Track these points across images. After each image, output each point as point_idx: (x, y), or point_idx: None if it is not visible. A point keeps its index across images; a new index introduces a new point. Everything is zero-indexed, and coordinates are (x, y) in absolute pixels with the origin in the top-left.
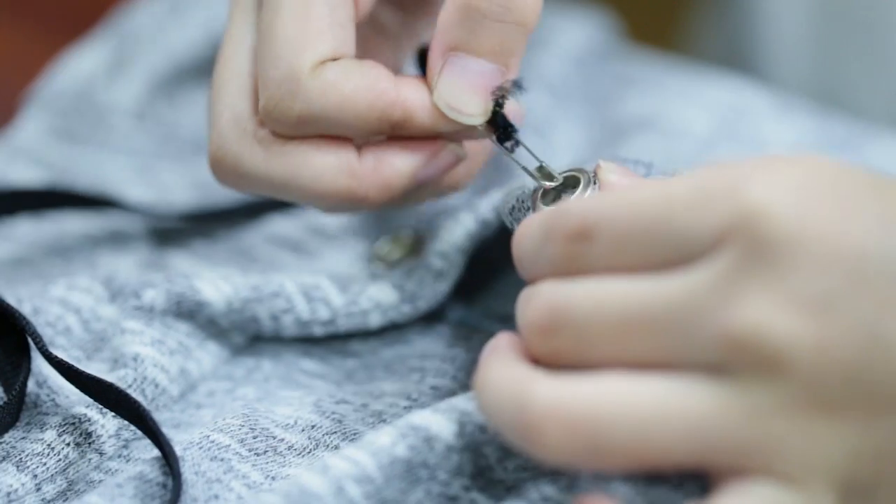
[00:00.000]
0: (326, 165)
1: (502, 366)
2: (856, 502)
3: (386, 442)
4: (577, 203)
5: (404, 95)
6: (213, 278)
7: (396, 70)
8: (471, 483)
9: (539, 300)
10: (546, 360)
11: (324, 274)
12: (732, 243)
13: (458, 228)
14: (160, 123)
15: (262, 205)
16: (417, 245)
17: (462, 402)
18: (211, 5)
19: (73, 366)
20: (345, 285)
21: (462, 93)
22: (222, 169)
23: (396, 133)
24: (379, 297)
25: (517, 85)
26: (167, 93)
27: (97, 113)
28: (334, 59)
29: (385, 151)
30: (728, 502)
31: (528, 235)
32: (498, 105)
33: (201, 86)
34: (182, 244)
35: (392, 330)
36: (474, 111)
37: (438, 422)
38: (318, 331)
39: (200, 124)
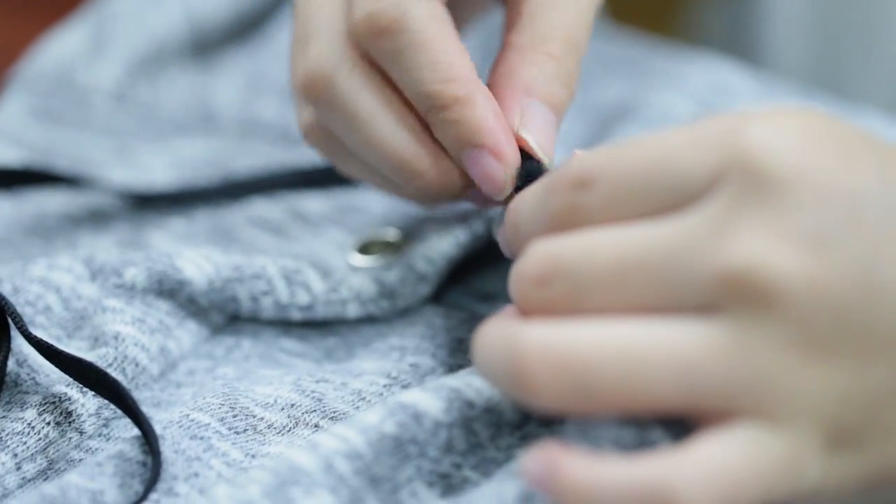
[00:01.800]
0: (403, 124)
1: (497, 324)
2: (841, 448)
3: (374, 419)
4: (578, 156)
5: (477, 85)
6: (195, 257)
7: None
8: (462, 460)
9: (534, 253)
10: (540, 313)
11: (306, 260)
12: (728, 182)
13: (449, 238)
14: (140, 104)
15: (244, 186)
16: (401, 244)
17: (450, 380)
18: None
19: (52, 345)
20: (326, 272)
21: (541, 140)
22: (317, 87)
23: (437, 119)
24: (359, 288)
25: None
26: (147, 74)
27: (77, 94)
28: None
29: None
30: (710, 441)
31: (527, 198)
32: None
33: (181, 67)
34: (162, 224)
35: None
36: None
37: (426, 399)
38: (295, 315)
39: (180, 105)
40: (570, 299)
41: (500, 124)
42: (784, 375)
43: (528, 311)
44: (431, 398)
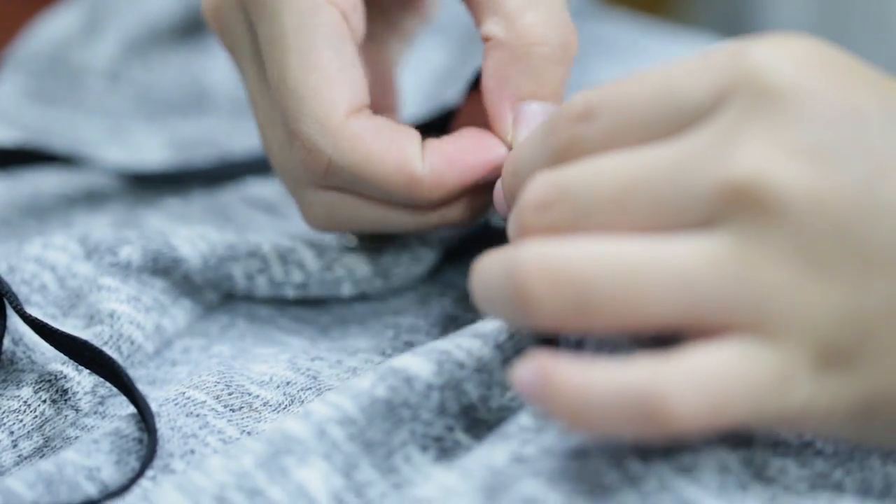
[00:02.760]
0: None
1: (495, 253)
2: (833, 368)
3: (365, 385)
4: (580, 93)
5: (431, 160)
6: (190, 236)
7: (389, 70)
8: (455, 423)
9: (535, 182)
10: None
11: (300, 239)
12: (732, 100)
13: None
14: (134, 84)
15: (239, 166)
16: None
17: (439, 343)
18: None
19: (47, 324)
20: (321, 251)
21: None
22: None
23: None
24: (353, 267)
25: None
26: (141, 54)
27: (72, 74)
28: (357, 110)
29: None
30: (703, 351)
31: (526, 142)
32: None
33: (175, 47)
34: (157, 204)
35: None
36: None
37: (417, 362)
38: (289, 293)
39: (174, 85)
40: (570, 222)
41: (466, 163)
42: (781, 290)
43: (530, 235)
44: (421, 361)
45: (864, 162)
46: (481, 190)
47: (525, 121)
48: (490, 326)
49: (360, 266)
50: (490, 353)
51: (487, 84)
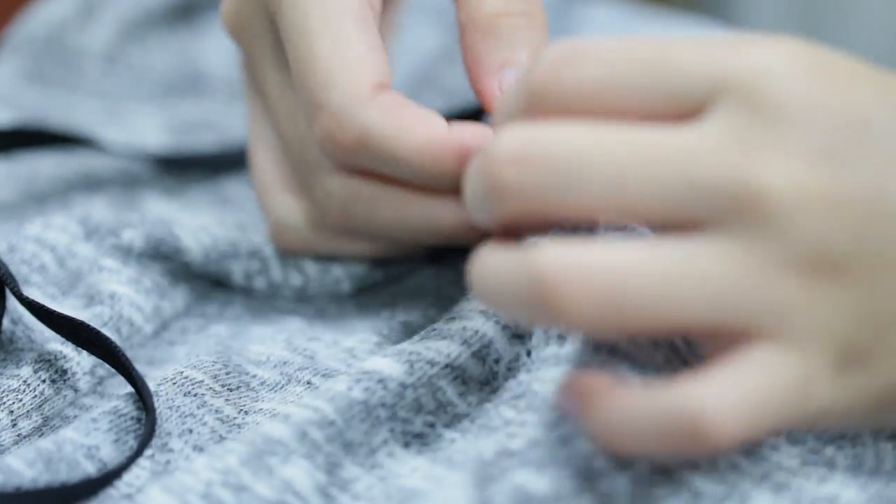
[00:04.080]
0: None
1: (495, 251)
2: (851, 368)
3: (341, 387)
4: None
5: (460, 135)
6: (193, 227)
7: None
8: (434, 419)
9: (514, 130)
10: (519, 200)
11: None
12: (734, 99)
13: None
14: (131, 66)
15: (240, 154)
16: None
17: (407, 345)
18: None
19: (43, 305)
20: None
21: None
22: (335, 216)
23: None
24: (353, 266)
25: None
26: (138, 37)
27: (69, 57)
28: (384, 87)
29: None
30: (731, 366)
31: (506, 89)
32: None
33: (172, 29)
34: (156, 186)
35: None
36: None
37: (388, 363)
38: (287, 294)
39: (171, 67)
40: (554, 189)
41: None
42: (801, 297)
43: (507, 199)
44: (392, 362)
45: (873, 164)
46: None
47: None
48: (456, 326)
49: (359, 263)
50: (458, 350)
51: (468, 67)
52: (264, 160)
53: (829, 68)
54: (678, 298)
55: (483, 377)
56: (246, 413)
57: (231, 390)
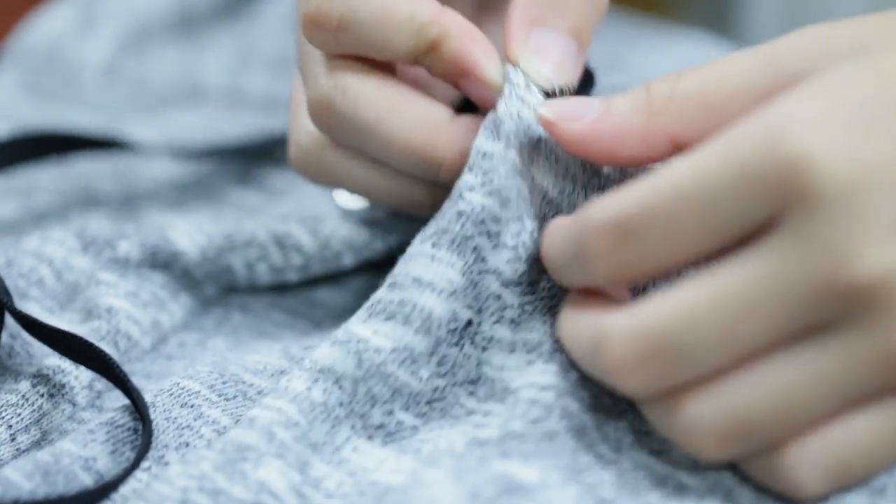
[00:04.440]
0: (412, 116)
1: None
2: None
3: (301, 387)
4: (604, 202)
5: (446, 17)
6: (187, 228)
7: None
8: (391, 405)
9: (620, 335)
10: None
11: (293, 219)
12: (794, 211)
13: None
14: (129, 79)
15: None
16: None
17: (358, 328)
18: None
19: (36, 319)
20: (315, 229)
21: (544, 63)
22: (324, 116)
23: (426, 62)
24: (351, 238)
25: (589, 74)
26: (135, 49)
27: (68, 69)
28: None
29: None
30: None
31: (556, 245)
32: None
33: (172, 39)
34: (154, 197)
35: (365, 272)
36: (549, 80)
37: (340, 358)
38: (292, 277)
39: (169, 79)
40: (681, 375)
41: (476, 49)
42: None
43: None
44: (342, 355)
45: None
46: None
47: (536, 44)
48: (395, 297)
49: (357, 234)
50: (402, 331)
51: (511, 11)
52: (296, 87)
53: (871, 123)
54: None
55: (430, 349)
56: None
57: (228, 400)
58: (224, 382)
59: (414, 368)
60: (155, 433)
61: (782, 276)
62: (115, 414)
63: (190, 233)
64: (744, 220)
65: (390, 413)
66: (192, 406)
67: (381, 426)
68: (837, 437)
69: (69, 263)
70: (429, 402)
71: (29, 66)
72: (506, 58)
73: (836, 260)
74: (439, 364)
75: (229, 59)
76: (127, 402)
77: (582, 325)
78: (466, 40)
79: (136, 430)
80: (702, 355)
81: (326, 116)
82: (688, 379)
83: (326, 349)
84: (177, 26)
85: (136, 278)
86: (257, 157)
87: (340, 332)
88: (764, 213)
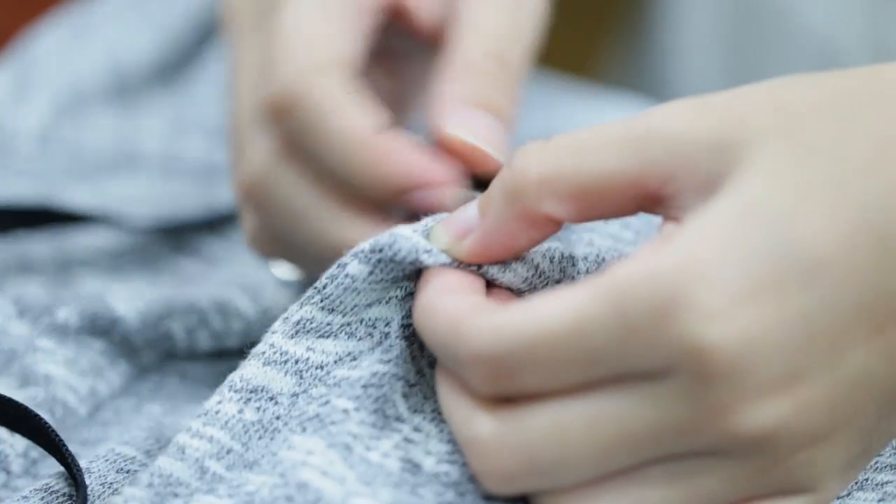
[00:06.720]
0: (341, 208)
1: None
2: None
3: (232, 410)
4: (480, 331)
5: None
6: (127, 294)
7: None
8: (328, 397)
9: (493, 445)
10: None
11: (234, 285)
12: (685, 372)
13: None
14: (65, 146)
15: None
16: None
17: (294, 344)
18: (113, 32)
19: None
20: (256, 295)
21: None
22: (255, 195)
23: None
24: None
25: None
26: (71, 115)
27: (1, 137)
28: (343, 66)
29: None
30: None
31: (430, 337)
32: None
33: (106, 107)
34: (90, 263)
35: None
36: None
37: (277, 379)
38: (232, 343)
39: (105, 146)
40: (546, 485)
41: (419, 160)
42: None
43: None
44: (279, 377)
45: (831, 368)
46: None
47: (467, 125)
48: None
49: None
50: (345, 345)
51: (434, 103)
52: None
53: (735, 282)
54: None
55: (365, 343)
56: None
57: None
58: (160, 448)
59: (341, 360)
60: (90, 499)
61: (662, 420)
62: (51, 480)
63: (129, 298)
64: (629, 369)
65: (327, 402)
66: (127, 471)
67: (315, 416)
68: None
69: (5, 329)
70: (364, 388)
71: None
72: (435, 134)
73: (718, 416)
74: (355, 356)
75: (165, 126)
76: (62, 469)
77: (456, 416)
78: (409, 158)
79: (71, 497)
80: (571, 472)
81: (259, 199)
82: (554, 488)
83: (257, 367)
84: (112, 93)
85: (76, 345)
86: (194, 225)
87: (270, 352)
88: (649, 366)
